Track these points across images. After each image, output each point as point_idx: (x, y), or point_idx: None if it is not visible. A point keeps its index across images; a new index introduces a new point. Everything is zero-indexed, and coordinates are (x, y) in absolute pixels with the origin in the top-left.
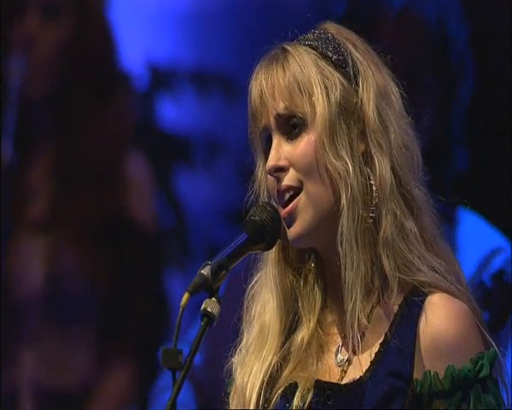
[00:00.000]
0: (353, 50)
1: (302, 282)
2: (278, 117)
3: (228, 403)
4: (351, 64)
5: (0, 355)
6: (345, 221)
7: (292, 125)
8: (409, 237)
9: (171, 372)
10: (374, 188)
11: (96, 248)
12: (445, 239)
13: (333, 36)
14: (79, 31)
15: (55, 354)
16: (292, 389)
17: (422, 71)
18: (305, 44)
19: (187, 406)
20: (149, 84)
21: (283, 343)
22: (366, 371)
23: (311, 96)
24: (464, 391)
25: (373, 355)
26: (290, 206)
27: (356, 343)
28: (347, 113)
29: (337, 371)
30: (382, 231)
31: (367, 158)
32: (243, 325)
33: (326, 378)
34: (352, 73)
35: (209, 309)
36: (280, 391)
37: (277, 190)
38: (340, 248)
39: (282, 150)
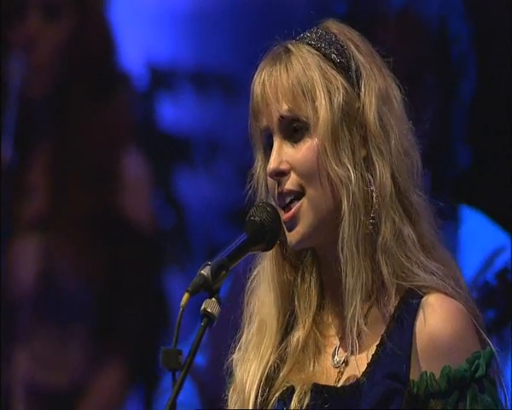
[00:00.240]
0: (356, 52)
1: (299, 279)
2: (281, 119)
3: (227, 400)
4: (354, 68)
5: None
6: (346, 227)
7: (294, 129)
8: (407, 243)
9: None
10: (374, 194)
11: (94, 247)
12: (444, 245)
13: (336, 37)
14: (80, 31)
15: (50, 354)
16: (289, 392)
17: (423, 70)
18: (307, 44)
19: (191, 406)
20: (149, 84)
21: (281, 341)
22: (363, 373)
23: (314, 100)
24: (461, 391)
25: (370, 357)
26: (292, 211)
27: (353, 345)
28: (350, 118)
29: (334, 372)
30: (381, 238)
31: (368, 164)
32: (244, 321)
33: (323, 380)
34: (354, 76)
35: (209, 309)
36: (277, 395)
37: (278, 193)
38: (340, 254)
39: (283, 153)
